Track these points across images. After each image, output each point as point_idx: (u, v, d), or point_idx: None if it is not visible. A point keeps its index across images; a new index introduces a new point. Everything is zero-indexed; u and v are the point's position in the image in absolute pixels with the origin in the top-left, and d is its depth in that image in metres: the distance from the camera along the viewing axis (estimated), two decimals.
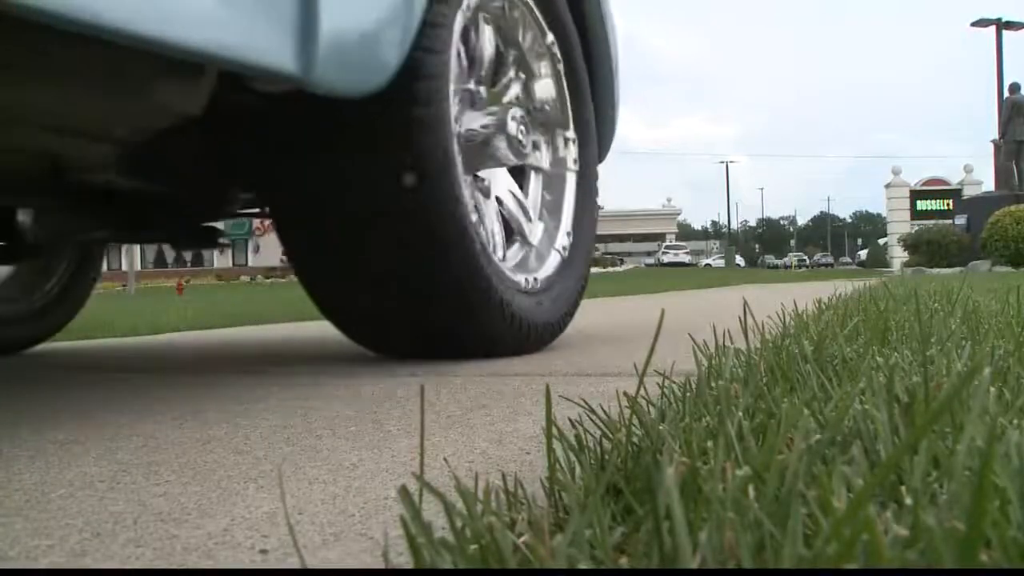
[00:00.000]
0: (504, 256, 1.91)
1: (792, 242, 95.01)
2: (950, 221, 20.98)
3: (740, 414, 0.68)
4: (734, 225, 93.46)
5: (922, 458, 0.50)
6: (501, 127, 1.87)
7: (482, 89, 1.88)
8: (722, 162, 79.49)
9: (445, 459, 0.85)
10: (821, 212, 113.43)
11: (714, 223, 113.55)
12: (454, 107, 1.65)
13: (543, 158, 2.14)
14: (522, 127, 1.93)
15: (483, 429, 1.02)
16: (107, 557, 0.59)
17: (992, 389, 0.77)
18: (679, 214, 74.28)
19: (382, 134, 1.52)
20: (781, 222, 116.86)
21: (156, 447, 0.98)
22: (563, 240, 2.09)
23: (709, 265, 48.46)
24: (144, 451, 0.96)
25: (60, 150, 1.62)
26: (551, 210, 2.13)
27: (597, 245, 4.38)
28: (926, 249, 18.21)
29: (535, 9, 1.98)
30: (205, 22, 1.05)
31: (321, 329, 3.48)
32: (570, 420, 0.75)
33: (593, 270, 3.03)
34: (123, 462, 0.90)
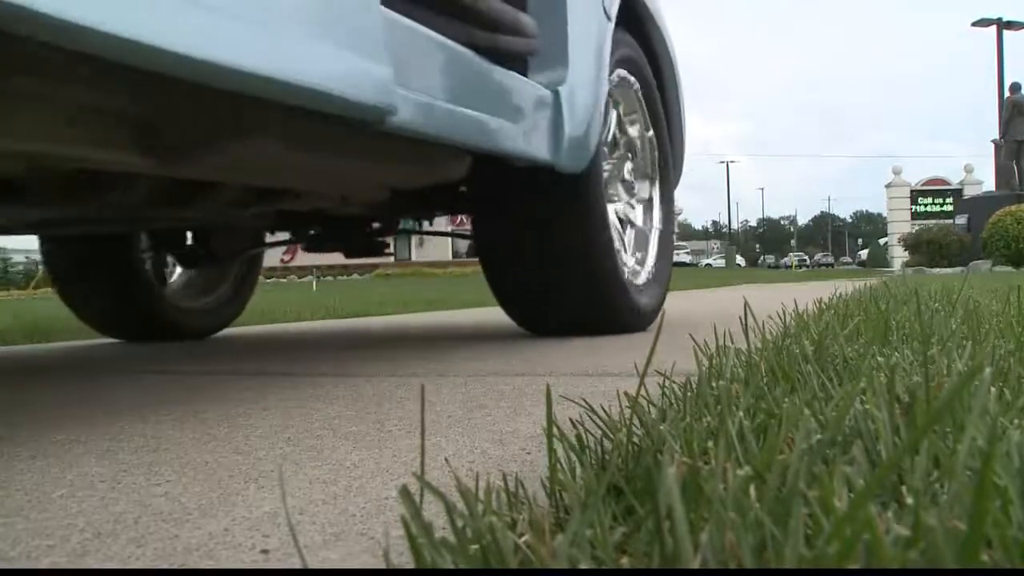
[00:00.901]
0: (627, 249, 2.64)
1: (792, 242, 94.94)
2: (950, 221, 20.98)
3: (741, 414, 0.68)
4: (734, 225, 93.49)
5: (923, 458, 0.50)
6: (619, 175, 2.59)
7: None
8: (722, 162, 79.55)
9: (446, 459, 0.85)
10: (821, 212, 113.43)
11: (714, 223, 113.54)
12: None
13: (638, 163, 2.78)
14: (632, 172, 2.68)
15: (484, 429, 1.02)
16: (108, 557, 0.59)
17: (993, 389, 0.77)
18: (680, 214, 74.30)
19: (568, 188, 2.18)
20: (781, 222, 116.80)
21: (157, 447, 0.98)
22: (657, 214, 2.83)
23: (709, 265, 48.35)
24: (145, 451, 0.96)
25: (359, 200, 2.35)
26: (645, 198, 2.84)
27: None
28: (926, 249, 18.21)
29: (634, 82, 2.67)
30: (518, 137, 1.82)
31: (322, 327, 3.49)
32: (571, 420, 0.75)
33: None
34: (124, 462, 0.90)
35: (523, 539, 0.47)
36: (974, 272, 11.06)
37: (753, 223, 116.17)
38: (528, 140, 1.86)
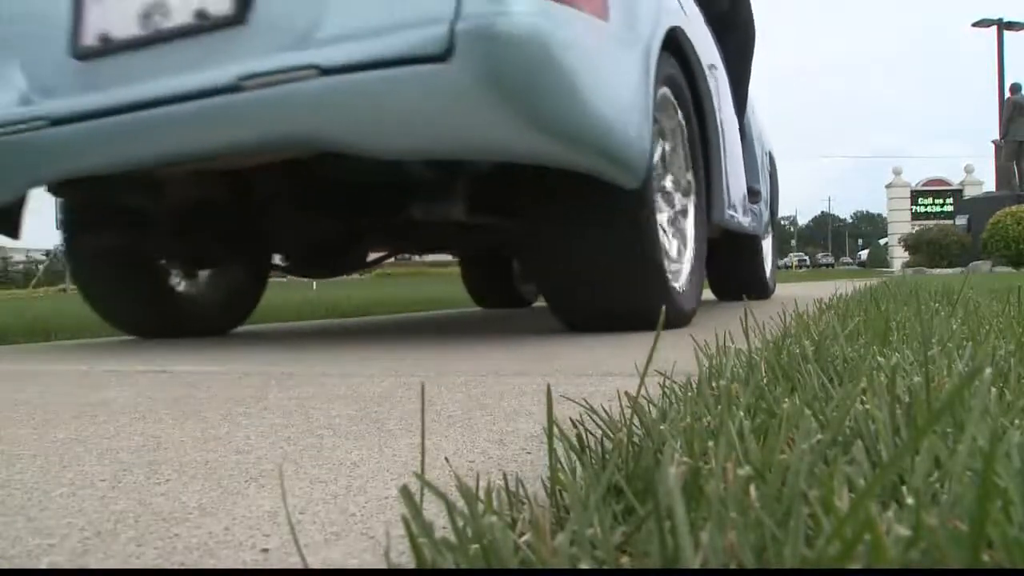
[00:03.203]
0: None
1: (793, 242, 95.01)
2: (951, 221, 20.97)
3: (741, 414, 0.68)
4: None
5: (924, 458, 0.50)
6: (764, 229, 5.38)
7: None
8: None
9: (446, 458, 0.85)
10: (822, 212, 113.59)
11: None
12: None
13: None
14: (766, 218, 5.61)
15: (484, 428, 1.02)
16: (108, 556, 0.59)
17: (993, 389, 0.77)
18: None
19: (756, 240, 5.33)
20: (782, 222, 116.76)
21: (157, 446, 0.98)
22: (770, 243, 5.86)
23: None
24: (145, 450, 0.96)
25: None
26: (766, 235, 5.79)
27: None
28: (927, 249, 18.21)
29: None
30: (757, 226, 4.77)
31: (322, 325, 3.49)
32: (571, 420, 0.75)
33: None
34: (124, 461, 0.90)
35: (523, 539, 0.47)
36: (974, 272, 11.05)
37: None
38: (758, 228, 4.49)
